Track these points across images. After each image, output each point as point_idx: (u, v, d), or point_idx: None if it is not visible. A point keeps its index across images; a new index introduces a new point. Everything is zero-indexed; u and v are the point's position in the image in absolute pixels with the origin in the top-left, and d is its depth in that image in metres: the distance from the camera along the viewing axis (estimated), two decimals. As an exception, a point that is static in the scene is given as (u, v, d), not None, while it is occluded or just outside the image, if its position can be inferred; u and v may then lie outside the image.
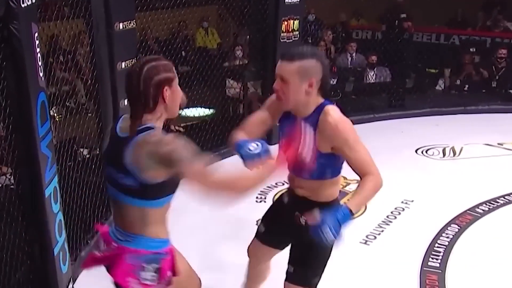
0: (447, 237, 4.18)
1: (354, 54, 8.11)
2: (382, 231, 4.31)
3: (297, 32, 5.95)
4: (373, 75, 7.82)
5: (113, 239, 2.13)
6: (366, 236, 4.23)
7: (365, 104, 7.40)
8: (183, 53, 8.80)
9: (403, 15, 8.22)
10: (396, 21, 8.23)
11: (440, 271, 3.72)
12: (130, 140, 1.94)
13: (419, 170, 5.55)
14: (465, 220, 4.46)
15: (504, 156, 5.99)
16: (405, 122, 7.24)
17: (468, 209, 4.63)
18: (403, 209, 4.68)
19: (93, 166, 4.13)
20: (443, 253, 3.95)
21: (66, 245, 3.18)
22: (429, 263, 3.83)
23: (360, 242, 4.14)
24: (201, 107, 6.88)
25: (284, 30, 5.83)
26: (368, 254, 3.99)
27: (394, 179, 5.28)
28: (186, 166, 1.90)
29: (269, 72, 6.02)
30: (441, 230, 4.29)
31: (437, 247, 4.05)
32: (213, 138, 5.95)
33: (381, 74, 7.86)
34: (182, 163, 1.90)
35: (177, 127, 6.09)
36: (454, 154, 6.05)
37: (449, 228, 4.33)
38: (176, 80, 2.01)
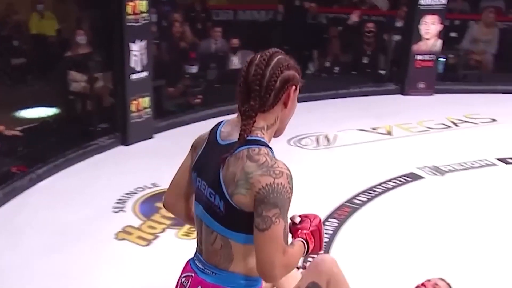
0: (326, 233, 4.34)
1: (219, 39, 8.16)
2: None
3: (146, 14, 5.87)
4: (237, 60, 7.93)
5: (192, 268, 2.01)
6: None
7: (231, 93, 7.43)
8: (15, 42, 8.35)
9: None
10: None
11: (321, 271, 3.85)
12: (234, 150, 1.79)
13: (293, 163, 5.63)
14: (343, 213, 4.67)
15: (378, 142, 6.38)
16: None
17: (346, 201, 4.86)
18: (278, 207, 4.79)
19: None
20: (323, 250, 4.09)
21: None
22: (308, 264, 3.95)
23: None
24: (41, 106, 6.56)
25: (130, 12, 5.71)
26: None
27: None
28: (275, 217, 1.76)
29: (117, 62, 5.89)
30: (319, 226, 4.45)
31: (316, 245, 4.19)
32: (58, 142, 5.70)
33: (245, 58, 7.97)
34: (275, 210, 1.75)
35: (12, 132, 5.75)
36: (329, 142, 6.33)
37: (327, 223, 4.50)
38: (298, 91, 1.88)
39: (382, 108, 7.55)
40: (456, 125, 6.96)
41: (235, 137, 1.83)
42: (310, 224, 2.08)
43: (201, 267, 1.99)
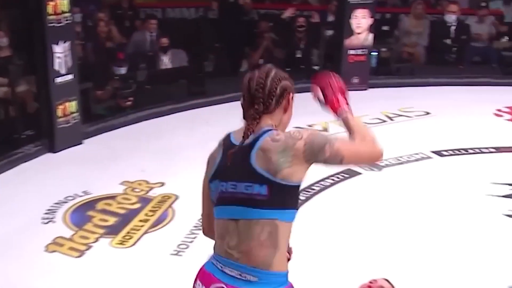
0: (266, 235, 4.37)
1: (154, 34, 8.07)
2: (195, 238, 4.36)
3: (68, 14, 5.75)
4: (167, 60, 7.87)
5: (219, 279, 2.11)
6: (177, 246, 4.25)
7: (162, 94, 7.42)
8: None
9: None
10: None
11: (262, 274, 3.88)
12: (255, 143, 2.06)
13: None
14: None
15: (315, 139, 6.45)
16: (209, 110, 7.42)
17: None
18: (216, 210, 4.79)
19: None
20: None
21: None
22: (249, 267, 3.97)
23: (171, 254, 4.16)
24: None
25: (51, 12, 5.58)
26: (182, 267, 4.01)
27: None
28: (331, 146, 2.08)
29: (40, 65, 5.75)
30: (258, 227, 4.47)
31: (256, 247, 4.21)
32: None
33: (176, 58, 7.94)
34: (326, 146, 2.07)
35: None
36: (265, 141, 6.34)
37: (266, 224, 4.53)
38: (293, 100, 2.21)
39: (317, 105, 7.63)
40: (391, 119, 7.13)
41: (249, 138, 2.10)
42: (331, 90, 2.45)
43: (236, 274, 2.10)
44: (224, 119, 7.02)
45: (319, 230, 4.46)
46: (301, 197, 4.96)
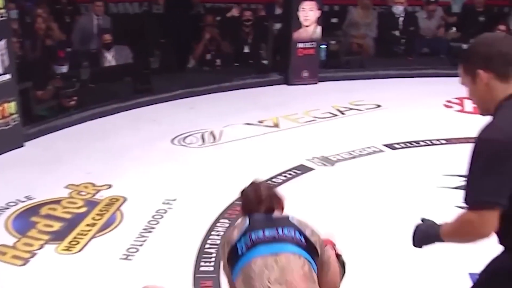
0: (218, 235, 4.37)
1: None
2: (145, 241, 4.34)
3: (3, 10, 5.64)
4: (111, 57, 7.77)
5: None
6: (127, 250, 4.21)
7: (107, 93, 7.33)
8: None
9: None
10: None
11: (215, 275, 3.88)
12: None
13: (179, 163, 5.70)
14: (234, 212, 4.71)
15: (266, 135, 6.49)
16: (156, 108, 7.38)
17: (237, 199, 4.86)
18: (166, 211, 4.77)
19: None
20: (216, 254, 4.12)
21: None
22: (202, 268, 3.97)
23: (121, 259, 4.12)
24: None
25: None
26: (131, 271, 3.98)
27: (152, 177, 5.38)
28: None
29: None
30: (210, 227, 4.48)
31: (208, 248, 4.22)
32: None
33: (120, 54, 7.85)
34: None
35: None
36: (215, 139, 6.35)
37: (218, 224, 4.53)
38: None
39: (267, 99, 7.68)
40: (342, 113, 7.22)
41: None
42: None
43: None
44: (171, 117, 7.02)
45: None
46: (253, 195, 4.97)
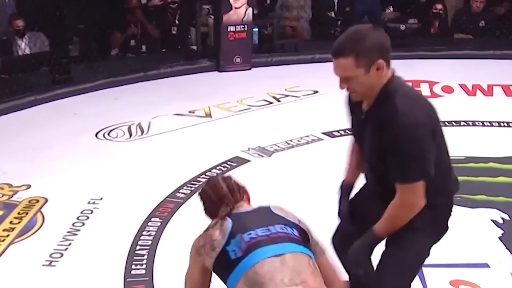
0: (149, 235, 4.34)
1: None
2: (70, 244, 4.26)
3: None
4: (24, 44, 7.58)
5: None
6: (50, 256, 4.13)
7: (22, 84, 7.16)
8: None
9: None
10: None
11: (147, 279, 3.85)
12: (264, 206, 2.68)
13: (104, 159, 5.62)
14: (166, 210, 4.68)
15: (197, 126, 6.47)
16: (76, 100, 7.26)
17: (168, 196, 4.87)
18: (92, 211, 4.70)
19: None
20: (147, 255, 4.09)
21: None
22: (133, 272, 3.93)
23: (43, 265, 4.03)
24: None
25: None
26: (57, 278, 3.90)
27: (75, 175, 5.29)
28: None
29: None
30: (140, 228, 4.43)
31: (140, 249, 4.17)
32: None
33: (35, 42, 7.67)
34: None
35: None
36: (142, 132, 6.29)
37: (149, 223, 4.49)
38: None
39: (198, 88, 7.65)
40: (278, 100, 7.26)
41: None
42: None
43: None
44: (94, 109, 6.91)
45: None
46: (186, 191, 4.97)
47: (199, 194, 2.79)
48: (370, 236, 2.65)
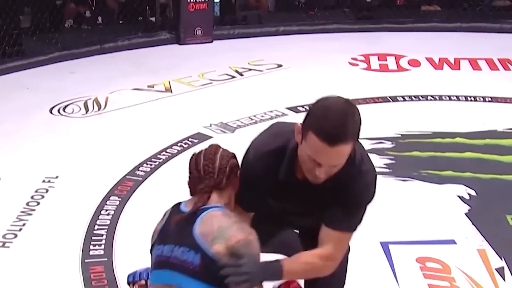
0: (108, 214, 4.33)
1: None
2: (24, 224, 4.23)
3: None
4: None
5: None
6: (3, 236, 4.09)
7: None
8: None
9: None
10: None
11: (106, 259, 3.84)
12: (200, 213, 2.26)
13: (59, 135, 5.57)
14: (125, 188, 4.67)
15: (157, 101, 6.44)
16: (29, 74, 7.18)
17: (127, 174, 4.86)
18: (47, 190, 4.66)
19: None
20: (106, 235, 4.08)
21: None
22: (91, 252, 3.92)
23: (-3, 246, 4.01)
24: None
25: None
26: (10, 259, 3.87)
27: (28, 153, 5.23)
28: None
29: None
30: (98, 207, 4.41)
31: (98, 229, 4.16)
32: None
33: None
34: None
35: None
36: (100, 107, 6.24)
37: (108, 202, 4.47)
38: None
39: (157, 61, 7.60)
40: (241, 74, 7.26)
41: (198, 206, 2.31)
42: None
43: None
44: (48, 83, 6.82)
45: (168, 204, 4.47)
46: (146, 169, 4.96)
47: (192, 156, 2.40)
48: (275, 270, 2.30)
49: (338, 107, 2.20)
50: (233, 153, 2.44)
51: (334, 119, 2.15)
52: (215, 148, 2.42)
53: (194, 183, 2.36)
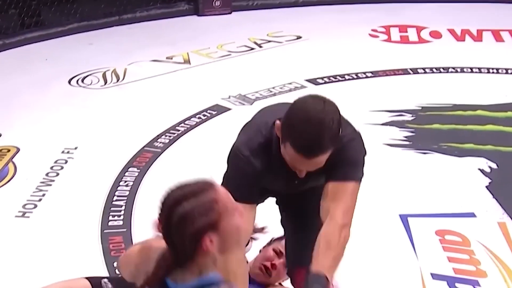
0: (127, 186, 4.36)
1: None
2: (43, 195, 4.27)
3: None
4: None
5: None
6: (23, 206, 4.14)
7: None
8: None
9: None
10: None
11: (125, 230, 3.88)
12: None
13: (78, 107, 5.60)
14: (144, 159, 4.69)
15: (175, 73, 6.43)
16: (48, 45, 7.18)
17: (146, 145, 4.88)
18: (66, 161, 4.70)
19: None
20: (125, 206, 4.11)
21: None
22: (110, 223, 3.96)
23: (17, 216, 4.05)
24: None
25: None
26: (30, 230, 3.92)
27: (47, 124, 5.27)
28: None
29: None
30: (117, 178, 4.45)
31: (116, 200, 4.20)
32: None
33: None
34: None
35: None
36: (118, 79, 6.25)
37: (126, 173, 4.50)
38: (229, 213, 1.74)
39: (176, 33, 7.57)
40: (260, 46, 7.22)
41: None
42: None
43: None
44: (67, 54, 6.83)
45: (186, 175, 4.48)
46: (165, 140, 4.97)
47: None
48: (323, 283, 2.27)
49: (315, 116, 2.21)
50: (192, 212, 1.78)
51: (310, 131, 2.19)
52: (168, 211, 1.86)
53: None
